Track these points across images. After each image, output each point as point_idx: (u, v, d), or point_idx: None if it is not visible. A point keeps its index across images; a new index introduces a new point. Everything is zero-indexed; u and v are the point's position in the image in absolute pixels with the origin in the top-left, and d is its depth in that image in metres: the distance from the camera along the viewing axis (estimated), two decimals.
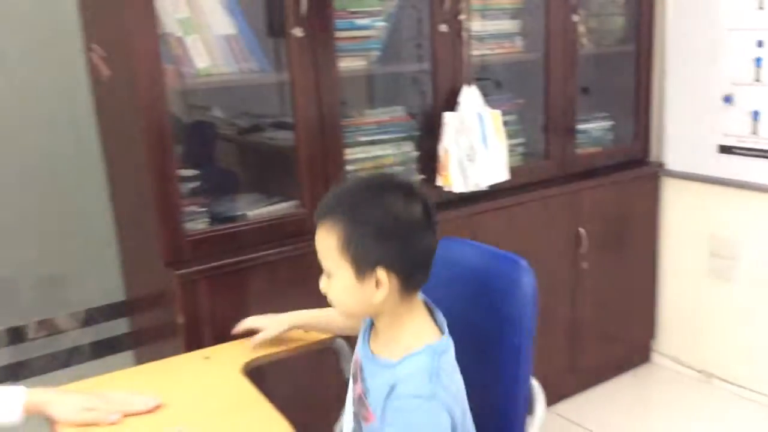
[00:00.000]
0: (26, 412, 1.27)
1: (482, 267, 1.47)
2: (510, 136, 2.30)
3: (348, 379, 1.28)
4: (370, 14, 2.08)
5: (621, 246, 2.71)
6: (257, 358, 1.53)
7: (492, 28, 2.37)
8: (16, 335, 2.18)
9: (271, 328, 1.55)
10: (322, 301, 1.25)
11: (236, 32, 1.90)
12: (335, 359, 1.66)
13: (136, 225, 2.01)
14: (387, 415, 1.10)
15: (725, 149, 2.53)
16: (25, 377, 2.17)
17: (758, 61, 2.39)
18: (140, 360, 2.24)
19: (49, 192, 2.13)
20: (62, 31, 2.05)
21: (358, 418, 1.20)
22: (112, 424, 1.27)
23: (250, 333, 1.59)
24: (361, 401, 1.18)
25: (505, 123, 2.27)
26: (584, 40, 2.57)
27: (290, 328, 1.56)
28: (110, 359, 2.29)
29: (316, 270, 1.17)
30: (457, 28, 2.14)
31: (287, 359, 1.59)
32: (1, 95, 2.02)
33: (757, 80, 2.40)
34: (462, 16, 2.14)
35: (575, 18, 2.43)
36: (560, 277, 2.53)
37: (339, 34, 1.96)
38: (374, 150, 2.15)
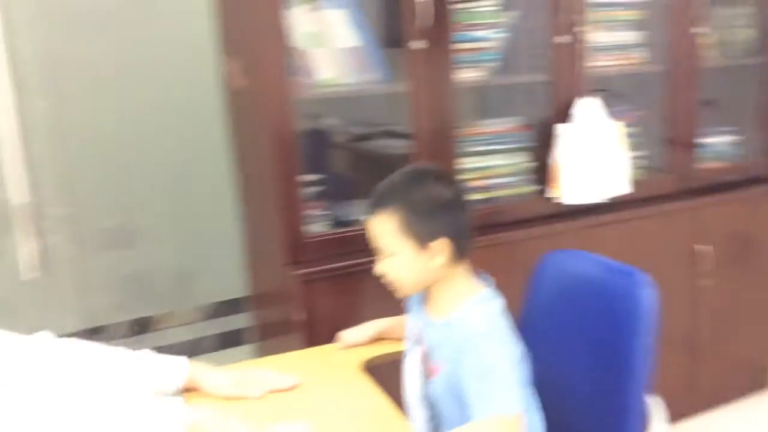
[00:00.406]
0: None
1: (599, 280, 1.47)
2: (631, 148, 2.26)
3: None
4: (488, 26, 2.10)
5: (745, 265, 2.59)
6: (377, 357, 1.59)
7: (613, 40, 2.33)
8: (145, 324, 2.35)
9: (359, 337, 1.67)
10: None
11: (359, 44, 1.98)
12: None
13: (260, 227, 2.13)
14: (462, 362, 1.25)
15: None
16: None
17: None
18: (260, 354, 2.34)
19: (182, 195, 2.29)
20: (198, 45, 2.19)
21: (423, 375, 1.36)
22: (257, 398, 1.37)
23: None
24: (425, 359, 1.36)
25: (627, 135, 2.23)
26: (710, 53, 2.48)
27: (374, 335, 1.67)
28: (231, 351, 2.42)
29: None
30: (574, 40, 2.14)
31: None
32: (142, 106, 2.19)
33: None
34: (579, 28, 2.13)
35: (696, 30, 2.35)
36: (678, 295, 2.44)
37: (457, 46, 2.00)
38: (487, 160, 2.17)
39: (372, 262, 1.92)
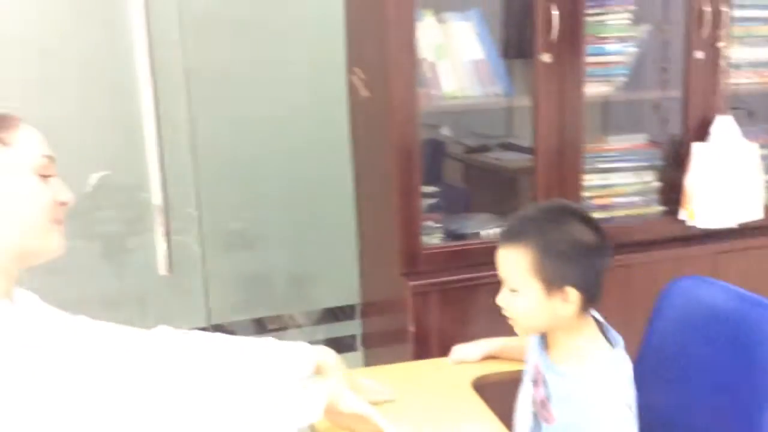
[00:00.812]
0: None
1: (730, 310, 1.38)
2: (765, 171, 2.13)
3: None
4: (620, 39, 2.04)
5: None
6: (486, 375, 1.57)
7: (750, 56, 2.22)
8: (262, 325, 2.42)
9: (471, 354, 1.62)
10: None
11: (484, 57, 1.97)
12: None
13: (376, 236, 2.15)
14: (580, 426, 1.20)
15: None
16: None
17: None
18: (368, 362, 2.37)
19: (303, 201, 2.34)
20: (328, 54, 2.22)
21: (538, 419, 1.29)
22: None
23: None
24: (543, 405, 1.27)
25: (761, 157, 2.10)
26: None
27: (487, 354, 1.62)
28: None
29: None
30: (714, 56, 2.04)
31: (515, 379, 1.61)
32: (270, 114, 2.26)
33: None
34: (721, 44, 2.02)
35: None
36: None
37: (587, 59, 1.95)
38: (612, 178, 2.11)
39: (486, 277, 1.90)
